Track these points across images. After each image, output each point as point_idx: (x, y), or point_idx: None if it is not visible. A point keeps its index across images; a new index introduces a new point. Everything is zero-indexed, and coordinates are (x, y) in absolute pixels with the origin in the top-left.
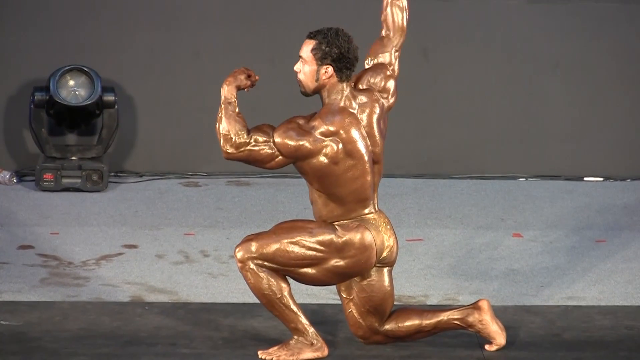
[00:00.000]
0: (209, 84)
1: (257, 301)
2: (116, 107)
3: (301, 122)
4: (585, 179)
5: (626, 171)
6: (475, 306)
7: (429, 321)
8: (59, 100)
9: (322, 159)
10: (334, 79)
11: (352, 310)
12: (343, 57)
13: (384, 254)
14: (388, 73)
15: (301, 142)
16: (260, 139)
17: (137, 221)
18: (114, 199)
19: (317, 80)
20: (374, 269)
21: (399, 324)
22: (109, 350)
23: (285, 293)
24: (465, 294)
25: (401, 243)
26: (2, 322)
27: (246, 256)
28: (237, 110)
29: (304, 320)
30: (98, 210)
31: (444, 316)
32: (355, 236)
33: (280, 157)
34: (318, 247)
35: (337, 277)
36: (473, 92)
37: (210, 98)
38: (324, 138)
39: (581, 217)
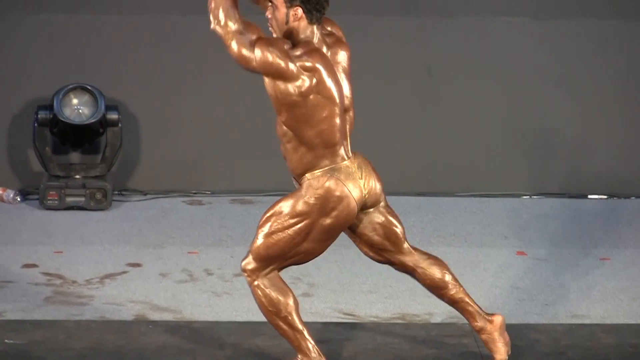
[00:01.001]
0: (212, 102)
1: (261, 320)
2: (120, 125)
3: (286, 46)
4: (590, 196)
5: (630, 189)
6: (490, 318)
7: (452, 291)
8: (62, 119)
9: (292, 88)
10: (304, 21)
11: (366, 250)
12: (303, 2)
13: (368, 198)
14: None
15: (279, 62)
16: (243, 40)
17: (141, 240)
18: (118, 217)
19: (286, 22)
20: (365, 213)
21: (426, 269)
22: None
23: (292, 311)
24: None
25: None
26: (6, 340)
27: (248, 268)
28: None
29: (308, 339)
30: (102, 228)
31: (467, 300)
32: (327, 189)
33: (254, 64)
34: (297, 219)
35: (330, 235)
36: (476, 110)
37: (213, 117)
38: (301, 70)
39: (585, 235)
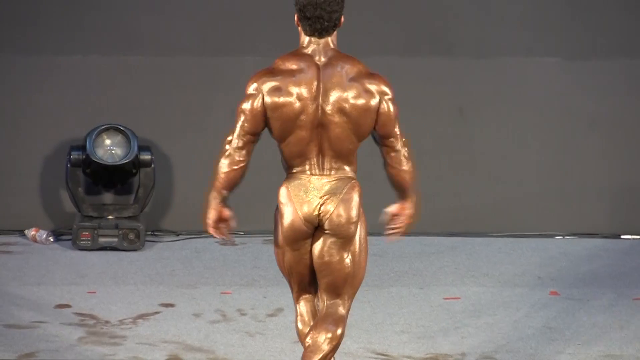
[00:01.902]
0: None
1: None
2: (153, 166)
3: (264, 77)
4: (622, 236)
5: None
6: None
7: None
8: (95, 160)
9: (277, 123)
10: (300, 26)
11: None
12: (300, 11)
13: (324, 221)
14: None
15: (261, 117)
16: (251, 139)
17: (174, 280)
18: (151, 257)
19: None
20: (322, 233)
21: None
22: None
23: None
24: (503, 352)
25: (438, 302)
26: None
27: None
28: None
29: None
30: (135, 269)
31: None
32: (279, 195)
33: (260, 130)
34: (275, 229)
35: (287, 244)
36: (509, 150)
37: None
38: (275, 95)
39: (618, 275)
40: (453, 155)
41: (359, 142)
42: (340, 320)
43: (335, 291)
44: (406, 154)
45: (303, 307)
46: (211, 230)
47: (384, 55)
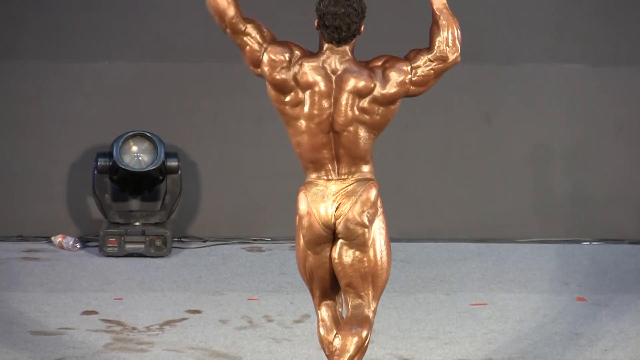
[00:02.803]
0: (271, 149)
1: None
2: (179, 172)
3: (297, 52)
4: None
5: None
6: None
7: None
8: (122, 166)
9: (282, 96)
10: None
11: None
12: (319, 18)
13: (337, 225)
14: (402, 78)
15: (281, 72)
16: (255, 35)
17: (200, 286)
18: (178, 264)
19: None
20: (338, 240)
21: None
22: None
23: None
24: (529, 357)
25: (464, 308)
26: None
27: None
28: None
29: None
30: (161, 275)
31: None
32: (297, 201)
33: (260, 69)
34: (296, 235)
35: (307, 249)
36: (536, 156)
37: (272, 164)
38: (294, 80)
39: None
40: (480, 162)
41: (377, 136)
42: (365, 321)
43: (356, 292)
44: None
45: (325, 312)
46: None
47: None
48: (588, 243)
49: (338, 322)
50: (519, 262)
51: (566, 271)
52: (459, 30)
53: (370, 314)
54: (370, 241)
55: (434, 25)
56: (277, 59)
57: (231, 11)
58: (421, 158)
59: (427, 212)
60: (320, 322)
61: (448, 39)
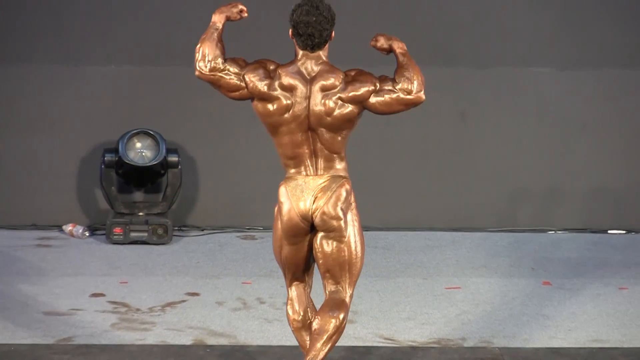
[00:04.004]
0: (263, 146)
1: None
2: (179, 167)
3: (271, 66)
4: (609, 232)
5: None
6: None
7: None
8: (127, 161)
9: (269, 106)
10: (294, 40)
11: None
12: (293, 27)
13: (315, 218)
14: (367, 88)
15: (263, 85)
16: (232, 69)
17: (198, 271)
18: (178, 251)
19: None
20: (316, 232)
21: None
22: None
23: (293, 328)
24: (499, 337)
25: (440, 291)
26: None
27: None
28: (220, 37)
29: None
30: (163, 261)
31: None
32: (278, 194)
33: (245, 90)
34: (274, 224)
35: (285, 238)
36: (506, 152)
37: (265, 159)
38: (278, 89)
39: (605, 266)
40: (455, 157)
41: (350, 131)
42: (342, 305)
43: (334, 279)
44: (403, 82)
45: (294, 291)
46: (236, 4)
47: (392, 66)
48: (553, 232)
49: (304, 302)
50: (490, 250)
51: (533, 258)
52: (421, 74)
53: (347, 299)
54: (346, 233)
55: (398, 69)
56: (257, 76)
57: (222, 67)
58: (401, 153)
59: (406, 203)
60: (289, 301)
61: (412, 80)
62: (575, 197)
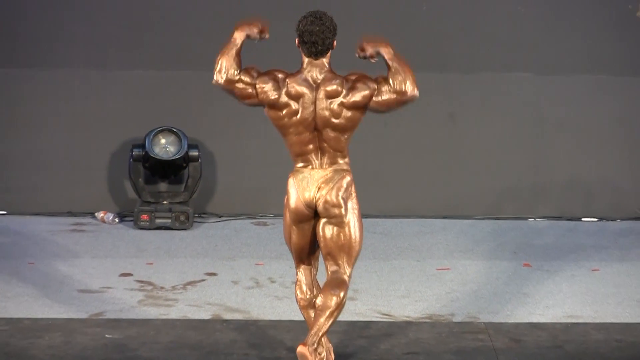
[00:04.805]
0: (275, 141)
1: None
2: (200, 161)
3: (280, 75)
4: (583, 219)
5: (617, 213)
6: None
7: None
8: (153, 156)
9: (279, 112)
10: (300, 48)
11: None
12: (299, 36)
13: (319, 205)
14: (367, 92)
15: (274, 94)
16: (245, 79)
17: (216, 254)
18: (198, 235)
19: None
20: (319, 218)
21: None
22: (194, 359)
23: (300, 306)
24: (485, 313)
25: (431, 272)
26: (106, 335)
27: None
28: (238, 52)
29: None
30: (185, 244)
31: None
32: (287, 184)
33: (256, 99)
34: (284, 212)
35: (293, 225)
36: (491, 149)
37: (276, 153)
38: (286, 97)
39: (579, 250)
40: (445, 153)
41: (353, 131)
42: (342, 284)
43: (335, 261)
44: (396, 78)
45: (302, 274)
46: (258, 24)
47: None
48: (533, 220)
49: (310, 283)
50: (476, 235)
51: (515, 243)
52: (411, 73)
53: (346, 278)
54: (346, 219)
55: (390, 74)
56: (268, 86)
57: (237, 78)
58: (397, 150)
59: (402, 194)
60: (297, 283)
61: (405, 81)
62: (553, 189)
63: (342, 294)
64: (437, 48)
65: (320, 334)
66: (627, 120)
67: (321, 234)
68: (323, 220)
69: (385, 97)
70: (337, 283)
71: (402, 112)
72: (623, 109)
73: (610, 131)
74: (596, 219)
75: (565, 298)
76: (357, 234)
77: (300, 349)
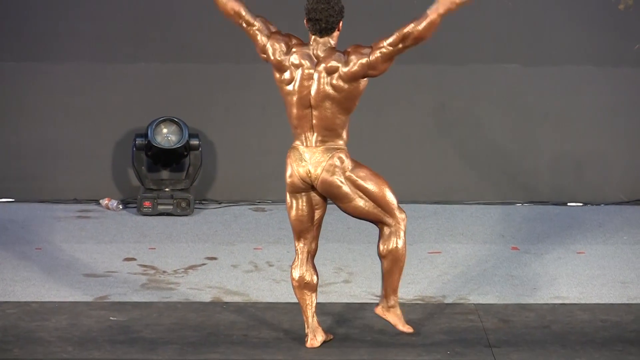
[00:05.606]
0: (273, 132)
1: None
2: (200, 149)
3: (293, 41)
4: (569, 204)
5: (601, 197)
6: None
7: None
8: (155, 145)
9: (281, 75)
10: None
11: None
12: (307, 14)
13: (314, 181)
14: (363, 60)
15: (281, 56)
16: (248, 17)
17: (216, 239)
18: (199, 221)
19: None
20: (317, 193)
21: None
22: (195, 339)
23: (294, 288)
24: (475, 294)
25: (423, 255)
26: (111, 318)
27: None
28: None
29: (304, 315)
30: (186, 230)
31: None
32: (287, 158)
33: (266, 55)
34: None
35: (290, 198)
36: (480, 137)
37: (273, 143)
38: (288, 62)
39: (565, 234)
40: (436, 141)
41: (348, 115)
42: (391, 235)
43: (374, 222)
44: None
45: (299, 256)
46: None
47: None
48: (520, 204)
49: (306, 264)
50: (466, 220)
51: (503, 226)
52: (435, 24)
53: (394, 227)
54: (351, 193)
55: (415, 18)
56: (277, 46)
57: (242, 11)
58: (390, 138)
59: (394, 179)
60: (293, 264)
61: (422, 22)
62: (539, 174)
63: (399, 243)
64: (429, 41)
65: (396, 292)
66: (612, 109)
67: (346, 212)
68: (341, 205)
69: (384, 49)
70: (388, 237)
71: (396, 101)
72: (608, 98)
73: (595, 120)
74: (581, 204)
75: (551, 280)
76: (375, 189)
77: (379, 311)
